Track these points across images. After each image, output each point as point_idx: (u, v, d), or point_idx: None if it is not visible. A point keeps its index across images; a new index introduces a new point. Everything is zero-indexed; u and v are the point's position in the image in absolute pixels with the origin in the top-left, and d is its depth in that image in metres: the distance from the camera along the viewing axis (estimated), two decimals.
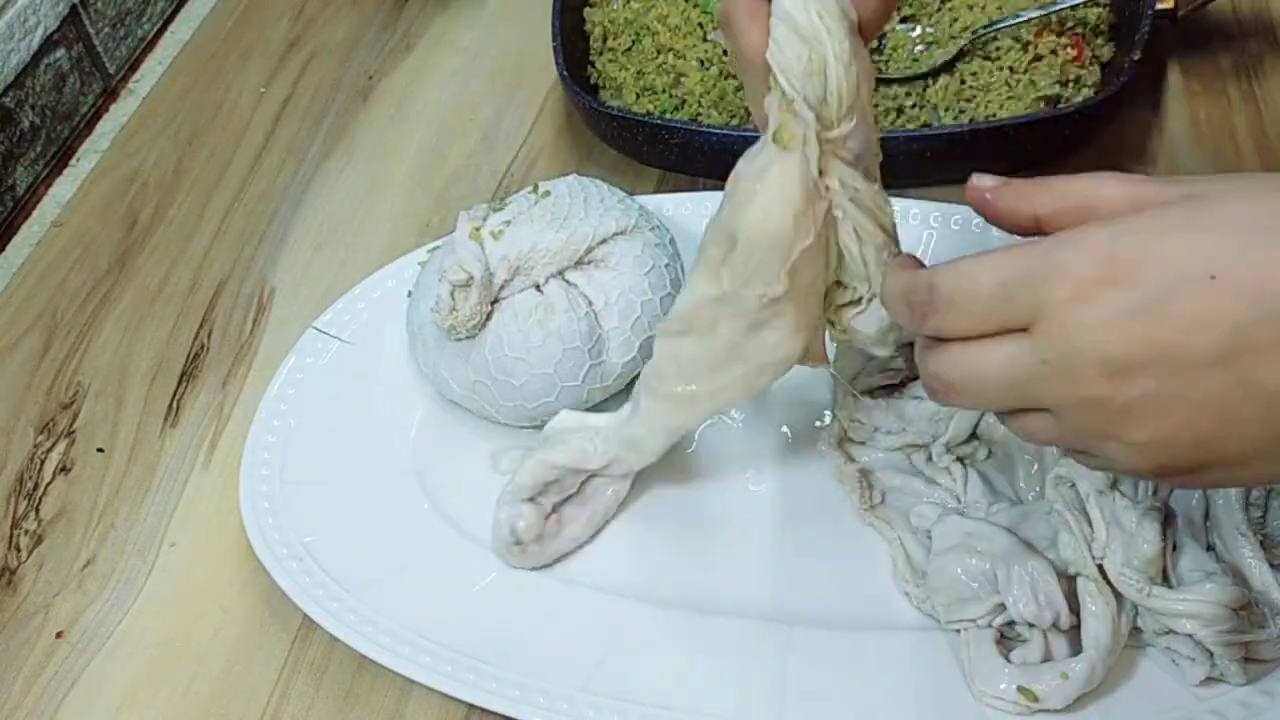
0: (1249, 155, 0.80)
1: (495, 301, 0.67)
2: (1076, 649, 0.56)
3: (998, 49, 0.84)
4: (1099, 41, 0.84)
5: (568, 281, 0.67)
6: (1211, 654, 0.54)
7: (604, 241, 0.68)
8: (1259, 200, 0.39)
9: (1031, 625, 0.56)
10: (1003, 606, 0.57)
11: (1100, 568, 0.56)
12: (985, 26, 0.84)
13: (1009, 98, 0.81)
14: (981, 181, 0.46)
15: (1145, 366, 0.39)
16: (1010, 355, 0.42)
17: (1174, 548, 0.56)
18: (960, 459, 0.64)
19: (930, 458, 0.64)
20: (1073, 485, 0.57)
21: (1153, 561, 0.54)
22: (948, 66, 0.83)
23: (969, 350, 0.44)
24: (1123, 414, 0.41)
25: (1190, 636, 0.54)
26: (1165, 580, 0.55)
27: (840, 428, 0.66)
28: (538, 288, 0.67)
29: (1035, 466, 0.62)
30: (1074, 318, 0.40)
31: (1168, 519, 0.56)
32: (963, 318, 0.43)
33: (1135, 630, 0.57)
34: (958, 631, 0.58)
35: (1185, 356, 0.39)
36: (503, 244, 0.66)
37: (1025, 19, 0.83)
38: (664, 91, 0.85)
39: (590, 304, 0.67)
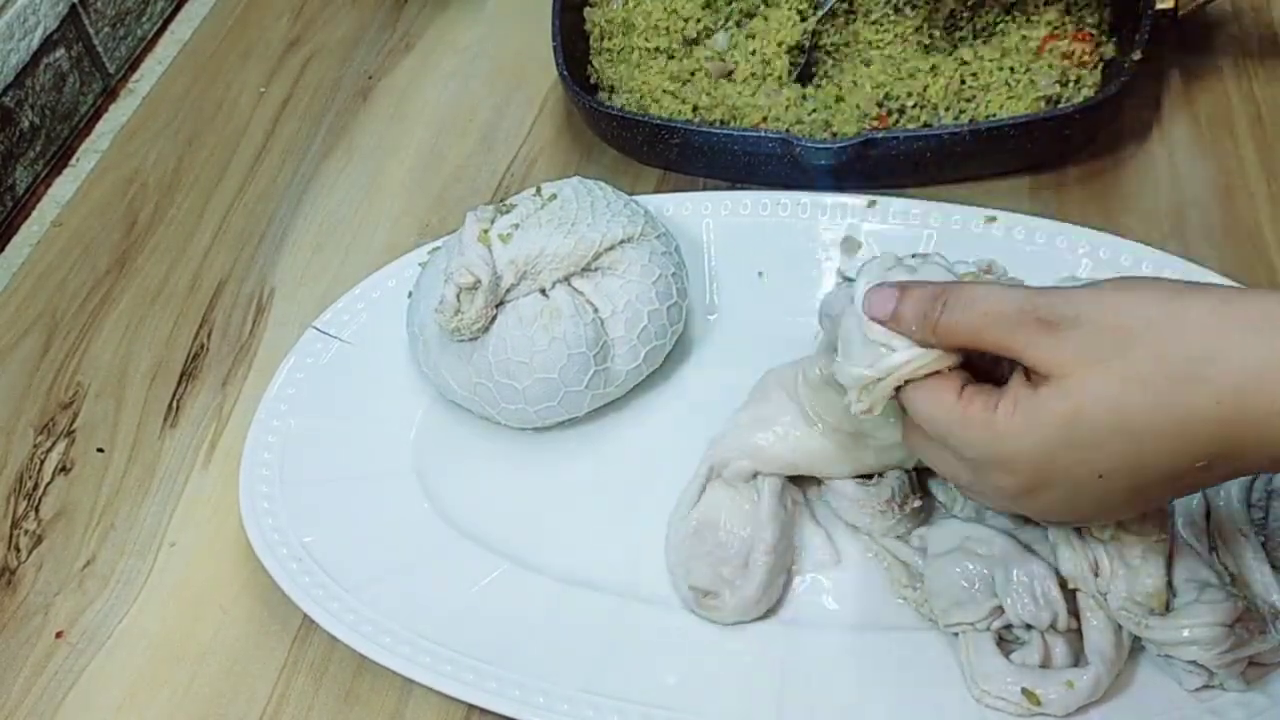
0: (1249, 155, 0.80)
1: (500, 304, 0.66)
2: (1076, 650, 0.56)
3: (1002, 35, 0.84)
4: (1100, 40, 0.84)
5: (574, 289, 0.67)
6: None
7: (611, 248, 0.68)
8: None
9: (1030, 627, 0.56)
10: (1000, 610, 0.56)
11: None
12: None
13: (1009, 98, 0.81)
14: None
15: (1067, 520, 0.54)
16: (952, 469, 0.53)
17: (1170, 559, 0.56)
18: None
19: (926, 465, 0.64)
20: None
21: (1154, 595, 0.54)
22: None
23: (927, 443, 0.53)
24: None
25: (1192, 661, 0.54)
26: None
27: None
28: (543, 292, 0.67)
29: None
30: (996, 502, 0.54)
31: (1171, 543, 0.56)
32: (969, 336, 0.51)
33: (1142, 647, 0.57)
34: (956, 634, 0.58)
35: (1100, 510, 0.51)
36: (511, 248, 0.66)
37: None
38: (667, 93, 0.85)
39: (596, 311, 0.67)
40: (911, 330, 0.51)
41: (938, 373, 0.51)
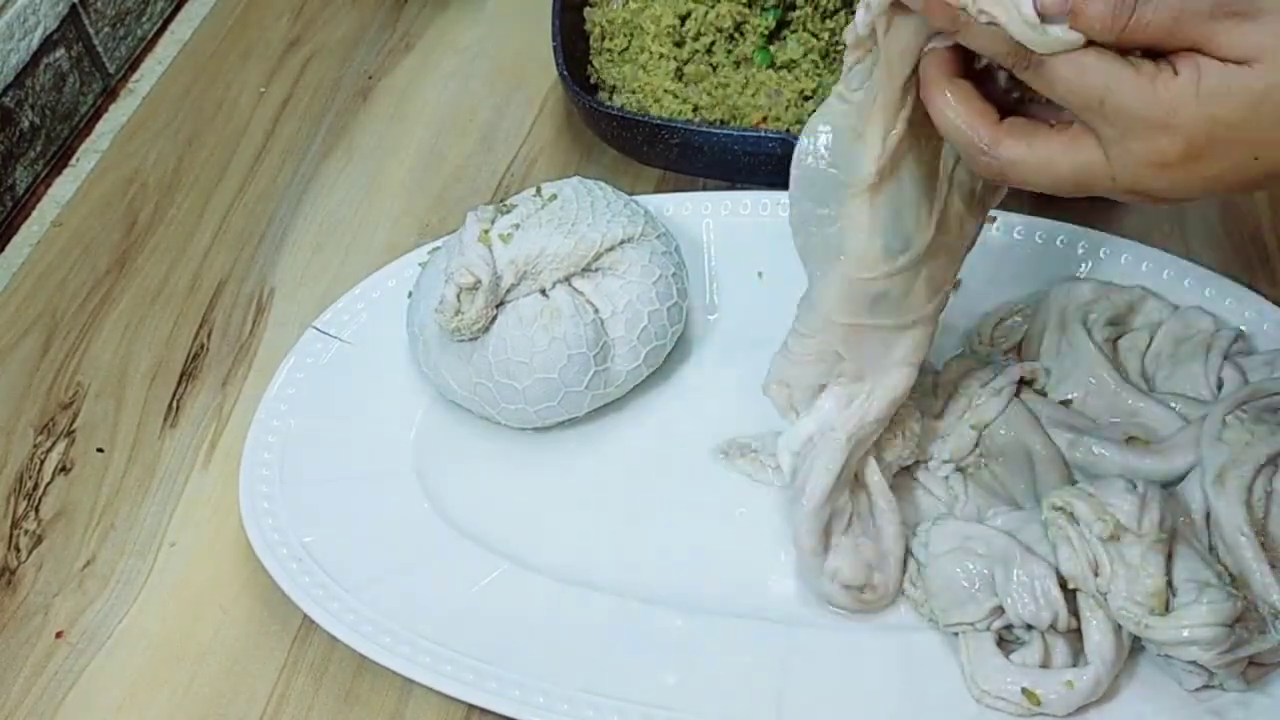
0: None
1: (500, 305, 0.66)
2: (1076, 650, 0.56)
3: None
4: None
5: (574, 289, 0.67)
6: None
7: (612, 249, 0.68)
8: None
9: (1030, 627, 0.56)
10: (1000, 610, 0.56)
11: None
12: None
13: None
14: None
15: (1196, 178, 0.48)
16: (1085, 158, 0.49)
17: (1169, 558, 0.56)
18: (960, 469, 0.64)
19: (927, 467, 0.64)
20: (1071, 514, 0.56)
21: (1155, 595, 0.54)
22: None
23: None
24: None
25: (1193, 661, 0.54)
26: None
27: None
28: (543, 292, 0.67)
29: (1034, 482, 0.62)
30: (1147, 170, 0.48)
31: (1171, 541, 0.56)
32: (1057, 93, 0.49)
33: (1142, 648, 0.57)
34: (956, 634, 0.58)
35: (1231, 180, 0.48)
36: (511, 248, 0.66)
37: None
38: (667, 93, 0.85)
39: (597, 311, 0.67)
40: (1093, 28, 0.47)
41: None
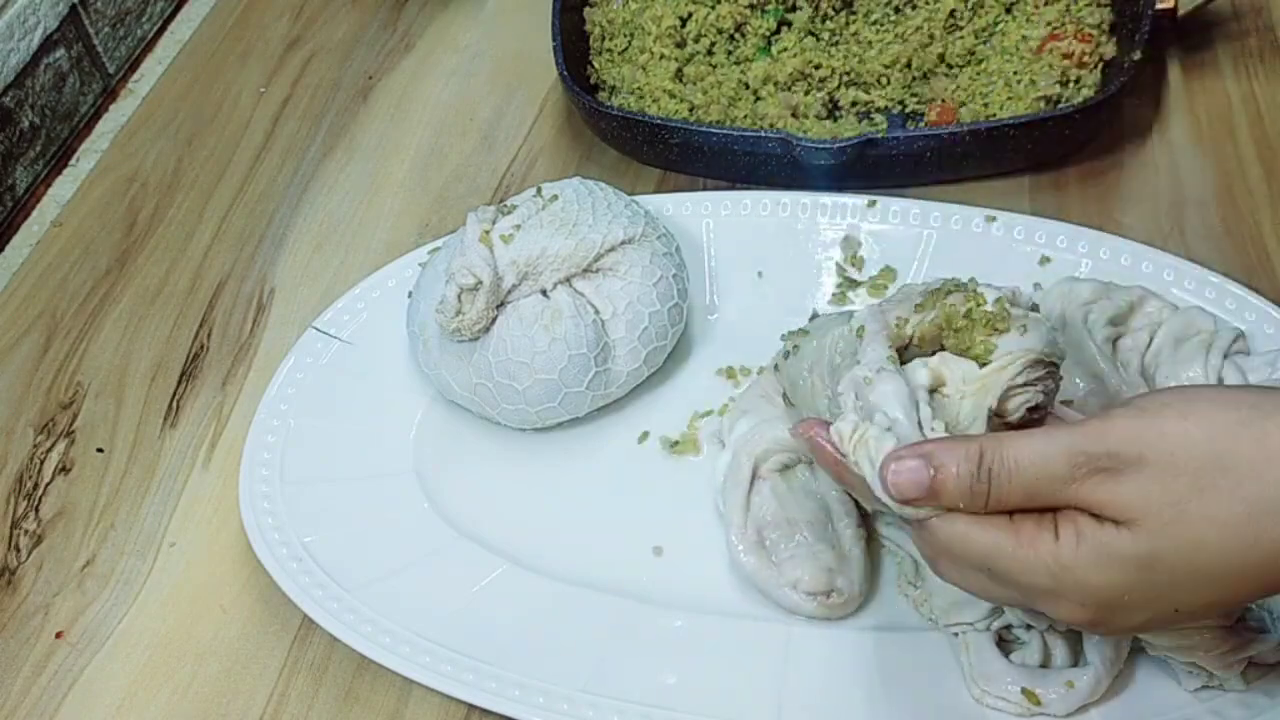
0: (1249, 155, 0.80)
1: (501, 305, 0.66)
2: (1076, 650, 0.56)
3: (1003, 41, 0.84)
4: (1100, 40, 0.84)
5: (575, 290, 0.67)
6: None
7: (613, 249, 0.68)
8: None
9: (1030, 627, 0.56)
10: (1000, 610, 0.56)
11: None
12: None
13: (1009, 98, 0.81)
14: None
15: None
16: (985, 588, 0.48)
17: None
18: None
19: None
20: None
21: None
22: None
23: (977, 535, 0.47)
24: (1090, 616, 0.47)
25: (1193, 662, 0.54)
26: None
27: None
28: (544, 293, 0.67)
29: None
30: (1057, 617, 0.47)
31: None
32: (949, 557, 0.48)
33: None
34: (956, 635, 0.58)
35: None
36: (512, 248, 0.66)
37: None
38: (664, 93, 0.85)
39: (597, 312, 0.67)
40: (958, 506, 0.46)
41: None
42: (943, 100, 0.82)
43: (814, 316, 0.66)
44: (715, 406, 0.70)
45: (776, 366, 0.65)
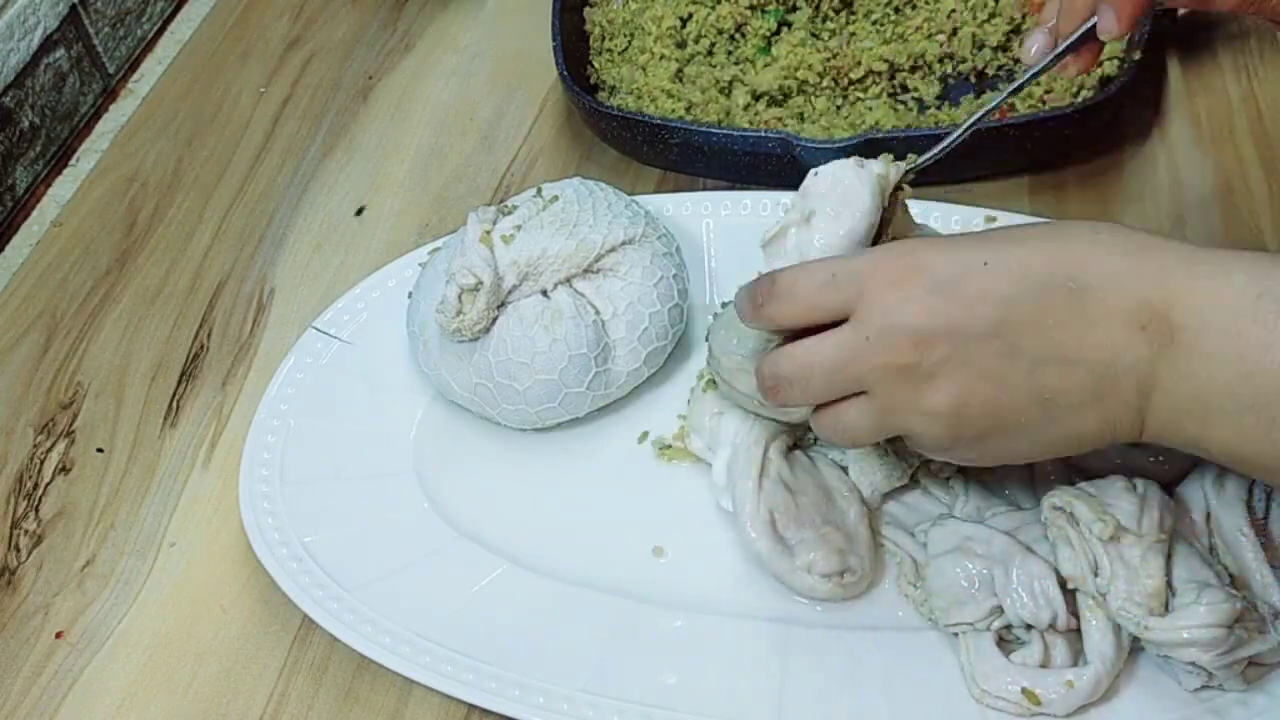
0: (1249, 155, 0.80)
1: (501, 305, 0.66)
2: (1076, 650, 0.56)
3: (1012, 66, 0.84)
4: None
5: (576, 290, 0.67)
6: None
7: (613, 250, 0.68)
8: (1025, 230, 0.52)
9: (1030, 627, 0.56)
10: (1000, 610, 0.56)
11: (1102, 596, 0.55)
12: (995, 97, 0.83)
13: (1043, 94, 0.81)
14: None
15: (941, 335, 0.50)
16: (836, 341, 0.52)
17: (1169, 558, 0.56)
18: (961, 469, 0.64)
19: (929, 470, 0.64)
20: (1071, 514, 0.56)
21: (1155, 595, 0.54)
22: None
23: (802, 344, 0.54)
24: (925, 379, 0.51)
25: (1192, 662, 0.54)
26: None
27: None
28: (544, 293, 0.67)
29: (1034, 482, 0.62)
30: (889, 297, 0.51)
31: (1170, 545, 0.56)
32: (796, 304, 0.54)
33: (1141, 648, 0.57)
34: (956, 635, 0.58)
35: (969, 327, 0.50)
36: (513, 249, 0.66)
37: (1025, 81, 0.81)
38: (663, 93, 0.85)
39: (598, 312, 0.67)
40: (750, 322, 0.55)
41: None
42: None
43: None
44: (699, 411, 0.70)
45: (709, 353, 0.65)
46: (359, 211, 0.84)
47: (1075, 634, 0.56)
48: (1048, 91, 0.81)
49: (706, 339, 0.65)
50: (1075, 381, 0.49)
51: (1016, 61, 0.85)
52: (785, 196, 0.75)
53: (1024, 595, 0.56)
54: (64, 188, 0.90)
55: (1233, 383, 0.47)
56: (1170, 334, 0.48)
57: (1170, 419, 0.49)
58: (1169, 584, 0.54)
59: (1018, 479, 0.63)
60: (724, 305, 0.65)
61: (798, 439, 0.65)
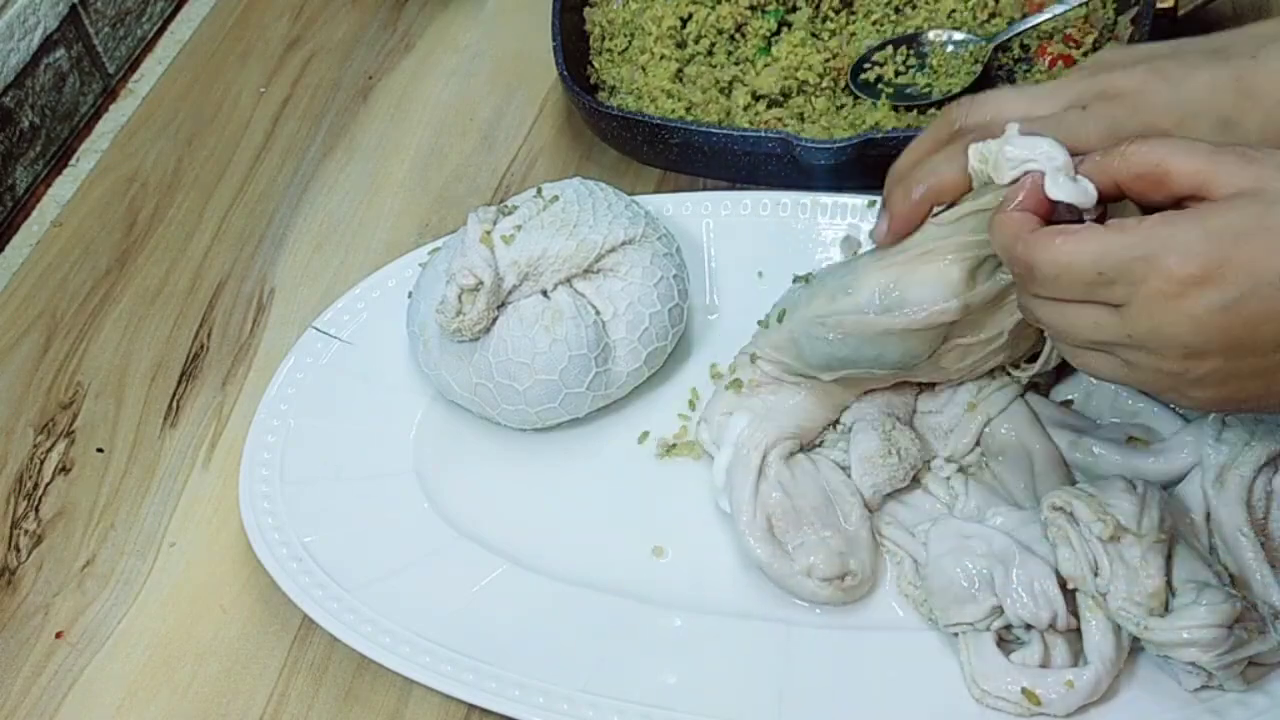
0: None
1: (501, 306, 0.66)
2: (1076, 650, 0.56)
3: (1012, 66, 0.84)
4: (1100, 39, 0.84)
5: (576, 290, 0.67)
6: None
7: (613, 250, 0.68)
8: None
9: (1030, 627, 0.56)
10: (999, 610, 0.56)
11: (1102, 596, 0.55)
12: (1003, 31, 0.83)
13: None
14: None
15: (1218, 352, 0.46)
16: (1098, 322, 0.48)
17: (1169, 558, 0.56)
18: (962, 469, 0.64)
19: (930, 468, 0.64)
20: (1071, 514, 0.56)
21: (1154, 595, 0.54)
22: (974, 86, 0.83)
23: (1063, 307, 0.50)
24: (1190, 383, 0.48)
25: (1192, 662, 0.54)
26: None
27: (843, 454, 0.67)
28: (545, 294, 0.67)
29: (1034, 482, 0.62)
30: (1163, 309, 0.46)
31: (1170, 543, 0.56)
32: (1060, 291, 0.49)
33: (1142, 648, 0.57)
34: (956, 635, 0.58)
35: (1250, 344, 0.46)
36: (513, 249, 0.66)
37: (1041, 20, 0.83)
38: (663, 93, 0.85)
39: (598, 313, 0.67)
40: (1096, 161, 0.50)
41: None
42: None
43: (798, 278, 0.66)
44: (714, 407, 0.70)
45: (754, 357, 0.65)
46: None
47: (1075, 634, 0.56)
48: None
49: (766, 322, 0.65)
50: None
51: (1017, 61, 0.85)
52: (785, 196, 0.75)
53: (1024, 595, 0.56)
54: (64, 188, 0.90)
55: None
56: None
57: None
58: (1169, 584, 0.54)
59: (1019, 478, 0.63)
60: (798, 278, 0.65)
61: (803, 444, 0.65)
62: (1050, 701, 0.55)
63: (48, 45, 0.90)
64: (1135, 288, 0.47)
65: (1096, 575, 0.55)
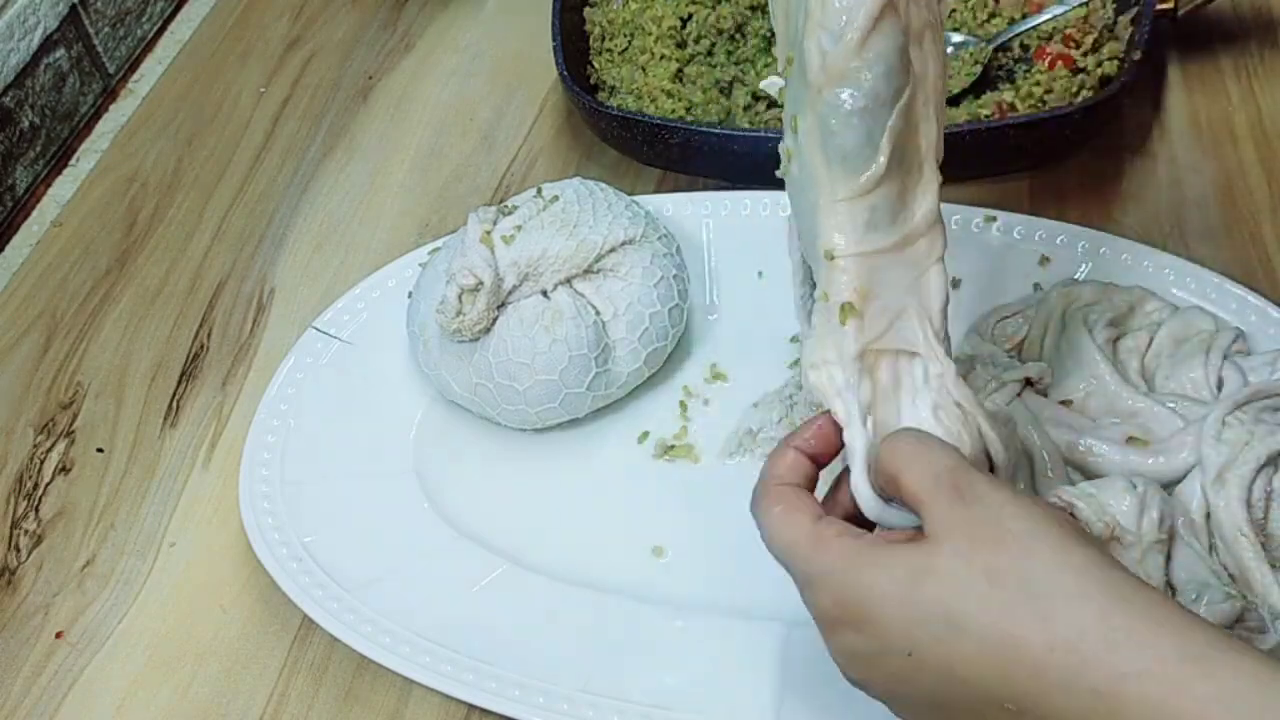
0: (1249, 154, 0.80)
1: (501, 306, 0.66)
2: None
3: (1012, 66, 0.84)
4: (1100, 39, 0.84)
5: (576, 291, 0.67)
6: None
7: (613, 250, 0.68)
8: (950, 574, 0.44)
9: None
10: None
11: None
12: (1003, 32, 0.84)
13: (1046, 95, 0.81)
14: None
15: (867, 685, 0.47)
16: (797, 571, 0.49)
17: (1168, 558, 0.56)
18: None
19: None
20: (1071, 514, 0.56)
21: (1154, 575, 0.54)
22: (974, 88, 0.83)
23: (785, 531, 0.50)
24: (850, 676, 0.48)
25: None
26: None
27: None
28: (545, 294, 0.67)
29: (1034, 481, 0.62)
30: (823, 634, 0.48)
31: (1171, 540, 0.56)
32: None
33: None
34: None
35: (898, 687, 0.46)
36: (513, 249, 0.66)
37: (1041, 21, 0.83)
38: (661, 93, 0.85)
39: (598, 313, 0.67)
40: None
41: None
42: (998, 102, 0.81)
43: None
44: (715, 406, 0.70)
45: (829, 255, 0.53)
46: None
47: None
48: (1048, 91, 0.81)
49: (785, 167, 0.55)
50: None
51: (1017, 61, 0.85)
52: (785, 196, 0.75)
53: None
54: (64, 188, 0.90)
55: None
56: None
57: None
58: (1169, 584, 0.54)
59: (1018, 478, 0.62)
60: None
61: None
62: None
63: (48, 45, 0.90)
64: (801, 593, 0.49)
65: None
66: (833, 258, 0.51)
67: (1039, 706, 0.42)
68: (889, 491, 0.48)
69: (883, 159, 0.50)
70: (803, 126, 0.51)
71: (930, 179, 0.53)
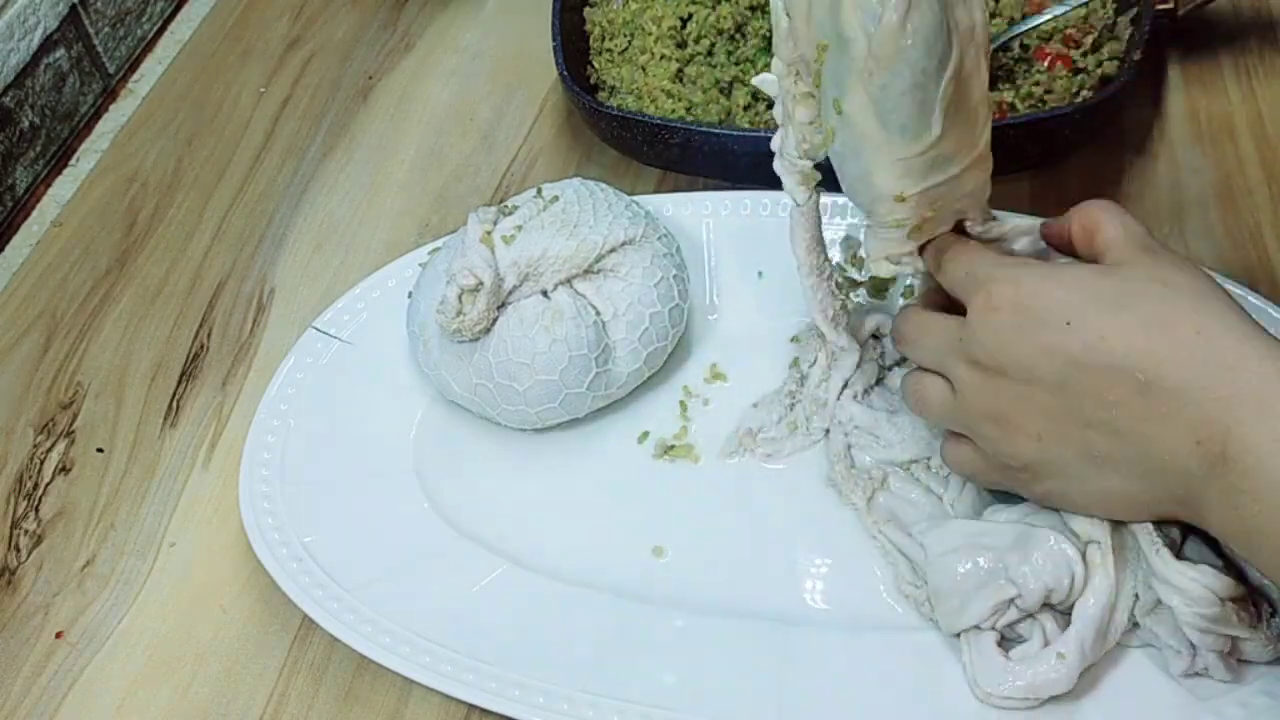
0: (1249, 154, 0.80)
1: (501, 306, 0.67)
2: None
3: (1012, 66, 0.84)
4: (1100, 39, 0.84)
5: (576, 291, 0.67)
6: (1194, 646, 0.54)
7: (613, 250, 0.68)
8: (1131, 278, 0.53)
9: (1032, 617, 0.56)
10: (1005, 605, 0.56)
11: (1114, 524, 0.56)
12: (1003, 32, 0.84)
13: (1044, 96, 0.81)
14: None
15: (1010, 368, 0.53)
16: (945, 325, 0.57)
17: (1183, 538, 0.56)
18: None
19: (929, 467, 0.64)
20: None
21: (1169, 531, 0.55)
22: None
23: (926, 315, 0.58)
24: (995, 394, 0.54)
25: (1171, 613, 0.54)
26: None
27: (843, 437, 0.66)
28: (545, 294, 0.67)
29: None
30: (981, 319, 0.54)
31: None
32: (940, 278, 0.59)
33: (1134, 626, 0.57)
34: (956, 635, 0.58)
35: (1033, 372, 0.52)
36: (513, 249, 0.66)
37: (1041, 21, 0.83)
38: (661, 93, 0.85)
39: (598, 313, 0.67)
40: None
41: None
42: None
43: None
44: (715, 406, 0.70)
45: (899, 198, 0.57)
46: None
47: (1066, 615, 0.56)
48: (1048, 92, 0.81)
49: (826, 141, 0.58)
50: (1126, 455, 0.51)
51: (1016, 61, 0.85)
52: (785, 196, 0.75)
53: (1045, 563, 0.56)
54: (64, 188, 0.90)
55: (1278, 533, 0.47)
56: (1224, 461, 0.48)
57: (1220, 532, 0.51)
58: (1180, 556, 0.55)
59: None
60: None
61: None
62: (1051, 682, 0.55)
63: (48, 45, 0.90)
64: (974, 293, 0.55)
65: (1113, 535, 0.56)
66: (903, 199, 0.56)
67: (1169, 377, 0.49)
68: (1081, 246, 0.57)
69: (938, 126, 0.53)
70: (850, 106, 0.53)
71: (985, 117, 0.57)
